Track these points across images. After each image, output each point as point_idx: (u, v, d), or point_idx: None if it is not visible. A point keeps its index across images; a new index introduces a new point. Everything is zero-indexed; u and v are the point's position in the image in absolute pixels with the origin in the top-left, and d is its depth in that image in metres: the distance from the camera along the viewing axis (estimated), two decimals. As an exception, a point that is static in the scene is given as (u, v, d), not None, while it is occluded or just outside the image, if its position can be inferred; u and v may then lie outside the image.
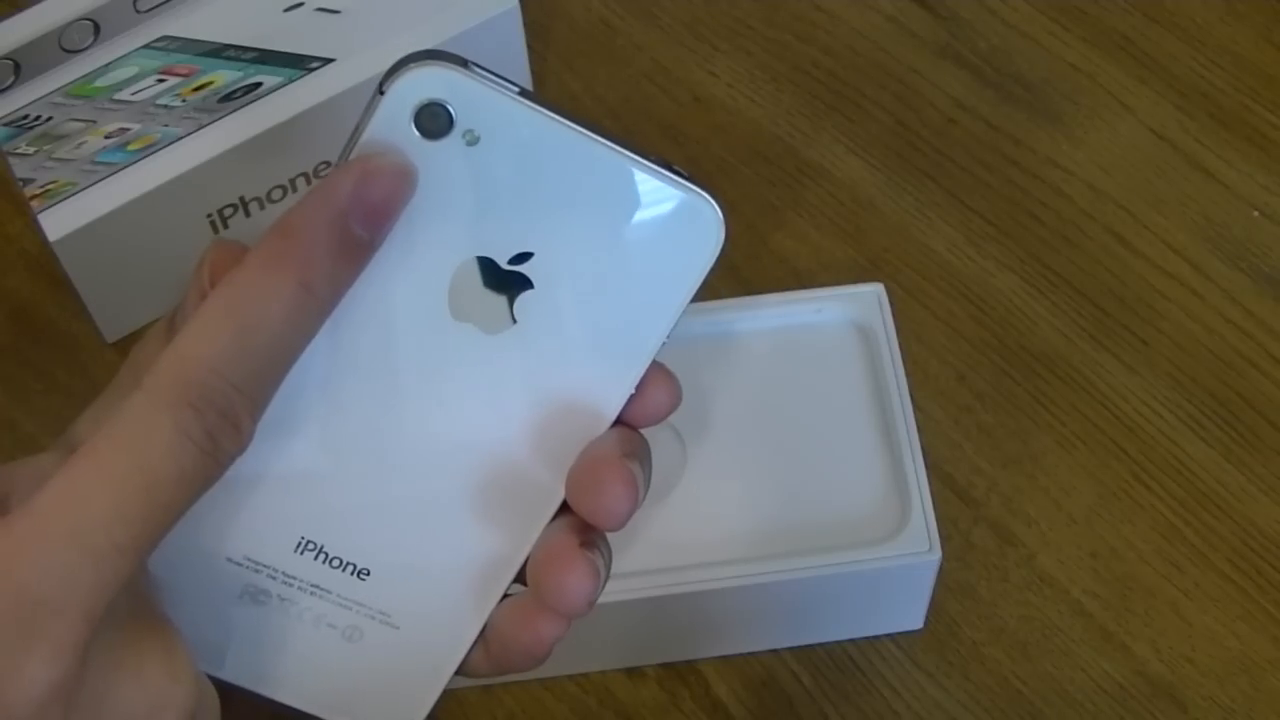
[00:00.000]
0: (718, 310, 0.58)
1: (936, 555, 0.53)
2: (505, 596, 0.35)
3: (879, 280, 0.59)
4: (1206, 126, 0.69)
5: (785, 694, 0.57)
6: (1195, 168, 0.68)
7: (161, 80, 0.62)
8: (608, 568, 0.34)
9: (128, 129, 0.61)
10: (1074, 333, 0.64)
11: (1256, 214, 0.67)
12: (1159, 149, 0.69)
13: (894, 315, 0.57)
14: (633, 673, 0.57)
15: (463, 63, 0.32)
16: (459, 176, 0.32)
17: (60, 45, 0.63)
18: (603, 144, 0.32)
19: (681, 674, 0.57)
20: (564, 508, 0.34)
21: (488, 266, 0.33)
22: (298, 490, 0.34)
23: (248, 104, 0.62)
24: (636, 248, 0.33)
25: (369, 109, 0.32)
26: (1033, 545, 0.59)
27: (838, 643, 0.57)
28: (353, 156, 0.32)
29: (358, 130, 0.32)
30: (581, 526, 0.34)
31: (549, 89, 0.72)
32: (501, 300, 0.33)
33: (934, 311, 0.65)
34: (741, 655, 0.57)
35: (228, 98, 0.62)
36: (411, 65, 0.32)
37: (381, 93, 0.32)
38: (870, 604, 0.56)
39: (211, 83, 0.62)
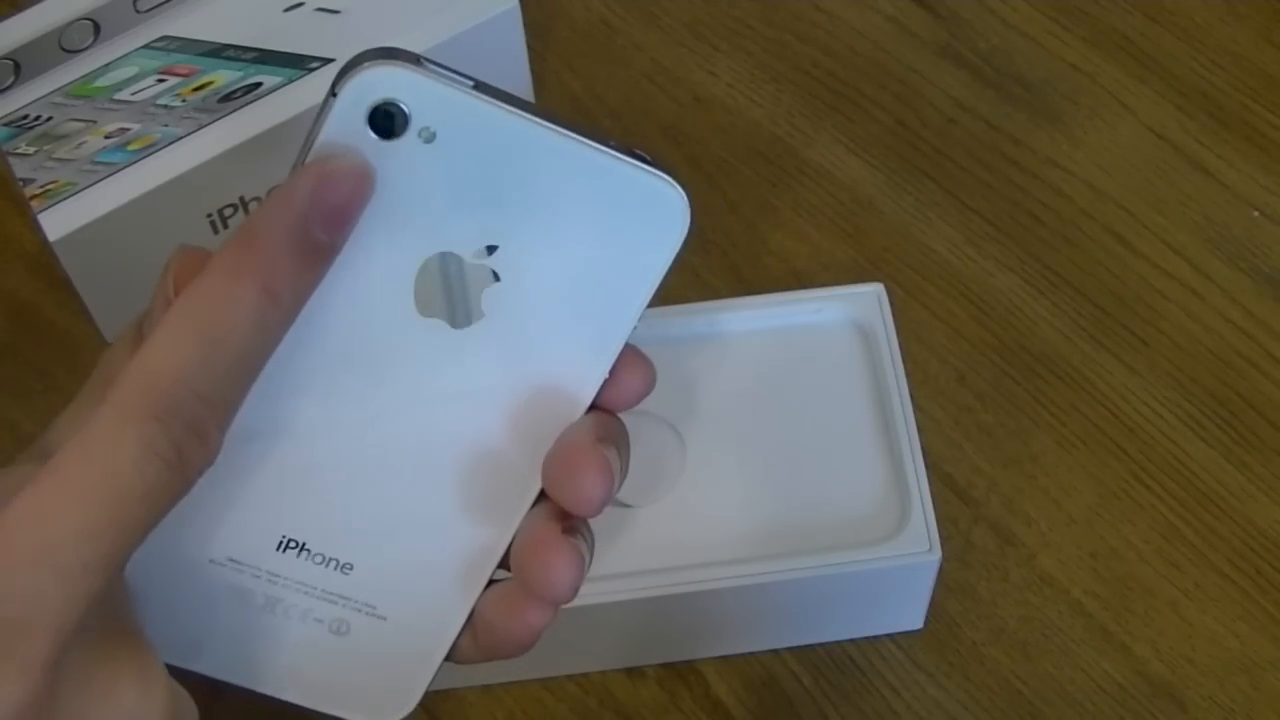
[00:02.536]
0: (718, 310, 0.58)
1: (936, 555, 0.53)
2: (491, 584, 0.35)
3: (879, 280, 0.59)
4: (1206, 126, 0.69)
5: (785, 694, 0.57)
6: (1195, 168, 0.68)
7: (161, 80, 0.62)
8: (591, 552, 0.34)
9: (128, 129, 0.61)
10: (1074, 333, 0.64)
11: (1256, 214, 0.67)
12: (1159, 149, 0.69)
13: (894, 315, 0.57)
14: (633, 673, 0.57)
15: (415, 59, 0.32)
16: (417, 174, 0.32)
17: (60, 45, 0.63)
18: (561, 133, 0.32)
19: (681, 674, 0.57)
20: (544, 494, 0.34)
21: (452, 262, 0.33)
22: (276, 491, 0.34)
23: (248, 104, 0.61)
24: (601, 235, 0.33)
25: (322, 112, 0.32)
26: (1033, 545, 0.59)
27: (838, 643, 0.57)
28: (309, 160, 0.32)
29: (312, 134, 0.32)
30: (562, 513, 0.34)
31: (549, 89, 0.72)
32: (468, 294, 0.33)
33: (934, 311, 0.65)
34: (741, 655, 0.57)
35: (228, 98, 0.62)
36: (363, 65, 0.32)
37: (334, 95, 0.32)
38: (870, 604, 0.56)
39: (211, 83, 0.62)
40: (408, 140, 0.32)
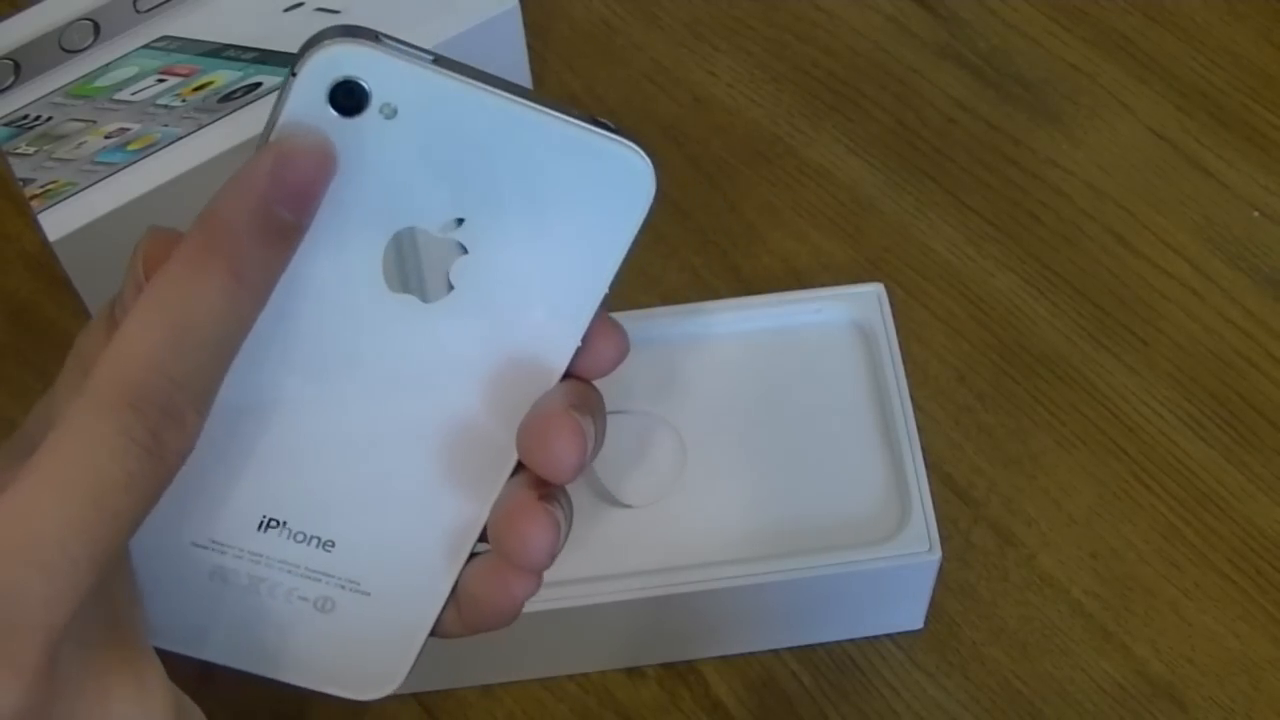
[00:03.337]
0: (718, 310, 0.58)
1: (936, 555, 0.53)
2: (473, 557, 0.35)
3: (879, 280, 0.59)
4: (1206, 126, 0.69)
5: (785, 694, 0.57)
6: (1195, 168, 0.68)
7: (161, 80, 0.62)
8: (569, 520, 0.34)
9: (128, 129, 0.61)
10: (1074, 333, 0.64)
11: (1256, 214, 0.67)
12: (1159, 149, 0.69)
13: (894, 315, 0.57)
14: (633, 673, 0.57)
15: (373, 36, 0.32)
16: (381, 151, 0.32)
17: (60, 45, 0.63)
18: (523, 104, 0.32)
19: (681, 674, 0.57)
20: (522, 464, 0.34)
21: (420, 236, 0.33)
22: (255, 471, 0.34)
23: (248, 104, 0.62)
24: (567, 204, 0.33)
25: (283, 92, 0.32)
26: (1033, 545, 0.59)
27: (838, 643, 0.57)
28: (270, 141, 0.32)
29: (273, 115, 0.32)
30: (538, 481, 0.34)
31: (549, 89, 0.72)
32: (437, 268, 0.33)
33: (934, 311, 0.65)
34: (741, 655, 0.57)
35: (228, 98, 0.62)
36: (321, 44, 0.32)
37: (294, 74, 0.32)
38: (870, 604, 0.56)
39: (211, 83, 0.62)
40: (369, 117, 0.32)
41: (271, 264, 0.32)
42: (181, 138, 0.61)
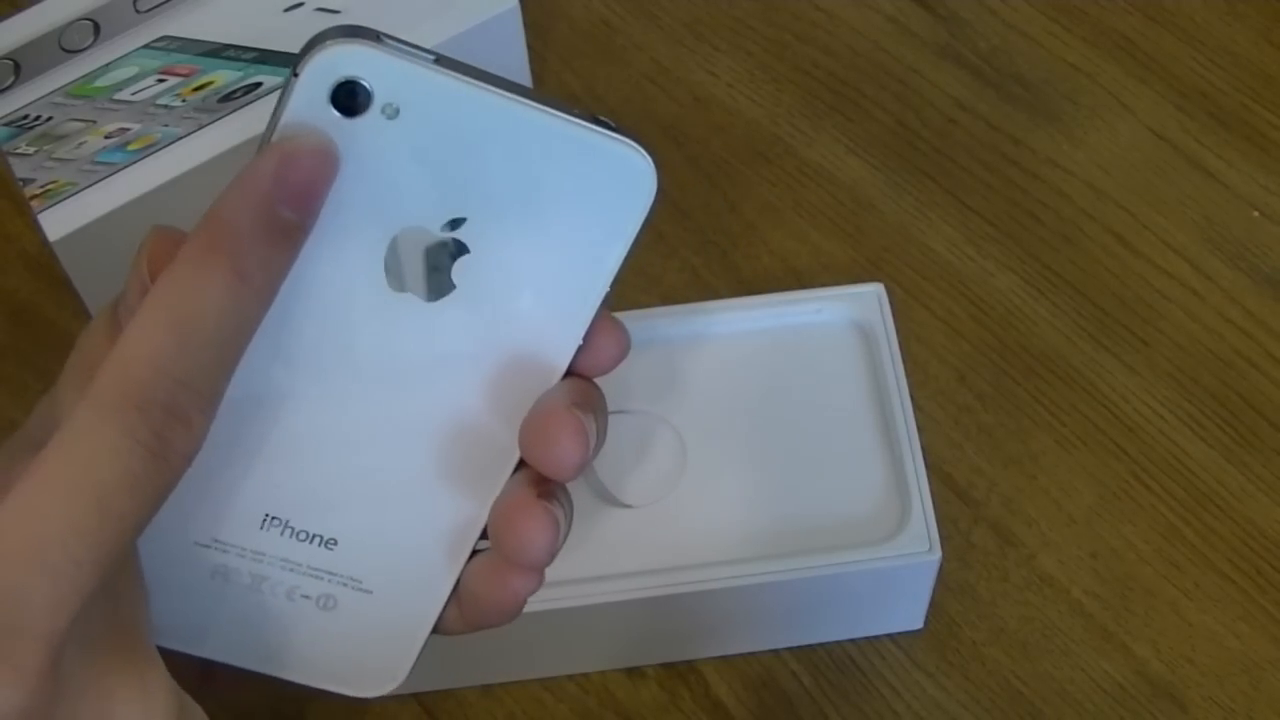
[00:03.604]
0: (718, 310, 0.58)
1: (936, 555, 0.53)
2: (475, 554, 0.35)
3: (879, 280, 0.59)
4: (1206, 126, 0.69)
5: (785, 694, 0.57)
6: (1195, 168, 0.68)
7: (161, 80, 0.62)
8: (569, 518, 0.34)
9: (128, 129, 0.61)
10: (1074, 333, 0.64)
11: (1256, 214, 0.67)
12: (1159, 149, 0.69)
13: (894, 315, 0.57)
14: (633, 673, 0.57)
15: (375, 36, 0.32)
16: (383, 151, 0.32)
17: (60, 45, 0.63)
18: (525, 104, 0.32)
19: (681, 674, 0.57)
20: (523, 462, 0.34)
21: (421, 236, 0.33)
22: (258, 470, 0.34)
23: (248, 104, 0.62)
24: (569, 203, 0.33)
25: (285, 93, 0.32)
26: (1033, 545, 0.59)
27: (838, 643, 0.57)
28: (273, 141, 0.32)
29: (275, 116, 0.32)
30: (538, 479, 0.34)
31: (549, 89, 0.72)
32: (439, 268, 0.33)
33: (934, 311, 0.65)
34: (741, 655, 0.57)
35: (228, 98, 0.62)
36: (323, 44, 0.32)
37: (295, 75, 0.32)
38: (870, 604, 0.56)
39: (211, 83, 0.62)
40: (371, 117, 0.32)
41: (275, 263, 0.32)
42: (181, 138, 0.61)
